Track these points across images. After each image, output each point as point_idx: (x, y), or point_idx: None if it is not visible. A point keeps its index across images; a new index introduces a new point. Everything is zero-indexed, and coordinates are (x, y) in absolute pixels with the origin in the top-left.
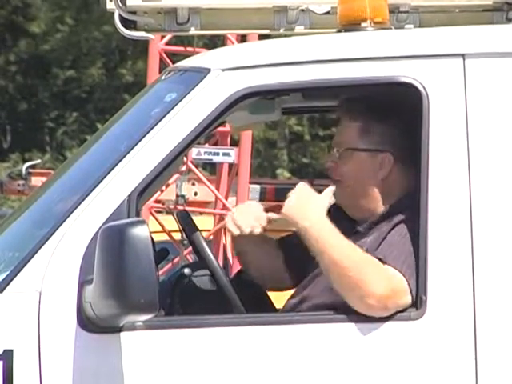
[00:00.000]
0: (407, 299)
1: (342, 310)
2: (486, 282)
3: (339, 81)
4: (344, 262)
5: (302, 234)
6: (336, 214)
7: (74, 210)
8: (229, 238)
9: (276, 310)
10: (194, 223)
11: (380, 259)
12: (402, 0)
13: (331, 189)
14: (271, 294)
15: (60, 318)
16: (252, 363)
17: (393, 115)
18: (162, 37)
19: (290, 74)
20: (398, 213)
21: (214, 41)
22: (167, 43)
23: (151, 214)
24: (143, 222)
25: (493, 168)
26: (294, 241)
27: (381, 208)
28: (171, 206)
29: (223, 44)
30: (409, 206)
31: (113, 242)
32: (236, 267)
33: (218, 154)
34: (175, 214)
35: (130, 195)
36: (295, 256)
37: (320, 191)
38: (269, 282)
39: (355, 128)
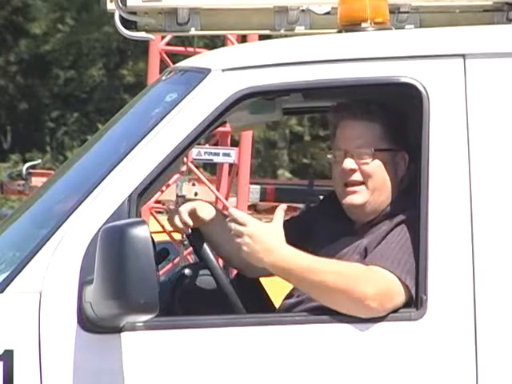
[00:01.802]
0: (402, 297)
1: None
2: (486, 282)
3: (340, 81)
4: (324, 277)
5: (271, 269)
6: (333, 213)
7: (75, 210)
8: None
9: (276, 310)
10: None
11: (372, 260)
12: (403, 0)
13: (281, 212)
14: (271, 295)
15: (60, 318)
16: (252, 363)
17: (403, 114)
18: (163, 37)
19: (291, 75)
20: (400, 212)
21: (214, 41)
22: (168, 43)
23: (152, 214)
24: (143, 223)
25: (493, 168)
26: (292, 227)
27: (387, 207)
28: (171, 207)
29: (223, 44)
30: (411, 205)
31: (113, 242)
32: None
33: (218, 154)
34: None
35: (130, 195)
36: (291, 242)
37: (320, 193)
38: (249, 269)
39: (376, 129)
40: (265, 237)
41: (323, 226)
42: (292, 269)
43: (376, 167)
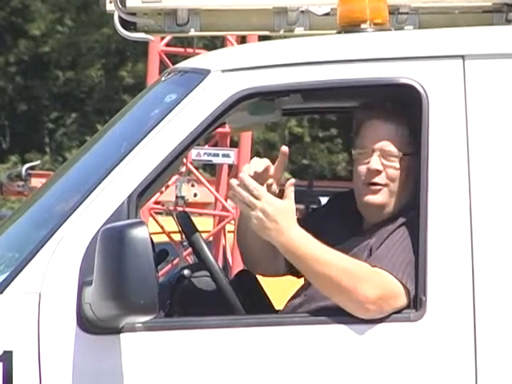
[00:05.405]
0: (402, 300)
1: (345, 312)
2: (485, 283)
3: (339, 82)
4: (330, 271)
5: (280, 249)
6: (341, 214)
7: (74, 211)
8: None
9: (275, 311)
10: (193, 224)
11: (374, 262)
12: (402, 1)
13: (292, 188)
14: (271, 295)
15: (60, 319)
16: (251, 364)
17: (416, 116)
18: (162, 38)
19: (290, 75)
20: (404, 213)
21: (213, 42)
22: (167, 44)
23: (151, 215)
24: (143, 224)
25: (492, 169)
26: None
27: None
28: (171, 208)
29: (223, 45)
30: (414, 207)
31: (112, 243)
32: (236, 268)
33: (217, 155)
34: (175, 216)
35: (129, 196)
36: None
37: (319, 194)
38: (262, 266)
39: (404, 131)
40: (278, 216)
41: (331, 226)
42: (299, 255)
43: (400, 171)
